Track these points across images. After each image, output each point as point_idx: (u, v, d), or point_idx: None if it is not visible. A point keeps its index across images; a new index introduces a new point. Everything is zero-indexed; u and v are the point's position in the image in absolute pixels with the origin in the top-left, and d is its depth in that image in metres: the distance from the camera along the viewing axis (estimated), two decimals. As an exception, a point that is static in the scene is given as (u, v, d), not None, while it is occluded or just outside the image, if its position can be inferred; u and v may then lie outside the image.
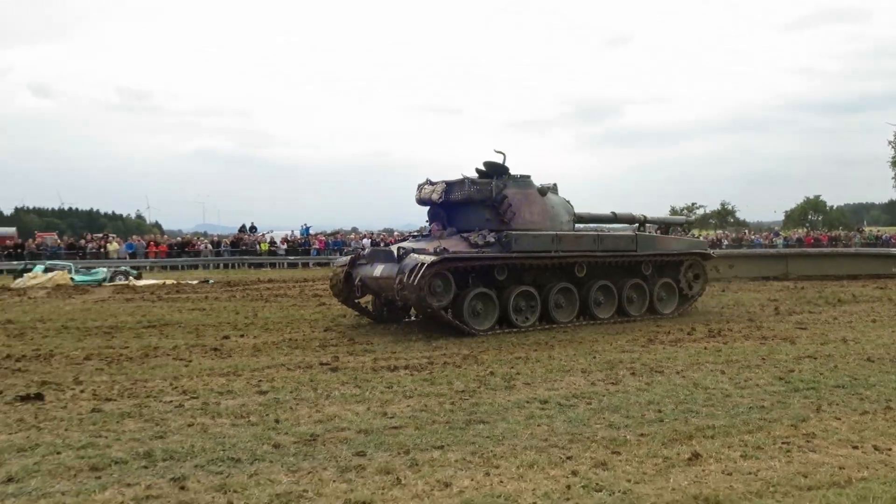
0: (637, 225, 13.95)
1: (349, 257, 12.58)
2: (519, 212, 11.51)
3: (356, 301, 12.46)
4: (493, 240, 10.94)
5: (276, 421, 5.95)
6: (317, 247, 37.66)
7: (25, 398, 6.79)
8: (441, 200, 11.59)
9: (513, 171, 11.92)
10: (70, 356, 9.38)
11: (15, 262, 29.84)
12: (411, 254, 10.53)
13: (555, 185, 12.49)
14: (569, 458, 4.95)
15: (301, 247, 37.74)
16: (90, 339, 11.03)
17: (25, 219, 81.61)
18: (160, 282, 23.85)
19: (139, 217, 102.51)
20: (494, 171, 11.72)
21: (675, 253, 13.07)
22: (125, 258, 33.14)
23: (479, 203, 11.42)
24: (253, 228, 40.40)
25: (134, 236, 41.36)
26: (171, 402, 6.69)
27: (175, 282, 23.84)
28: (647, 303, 12.67)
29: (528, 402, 6.59)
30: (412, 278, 10.00)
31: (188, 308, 15.60)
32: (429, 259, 10.18)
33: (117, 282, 23.59)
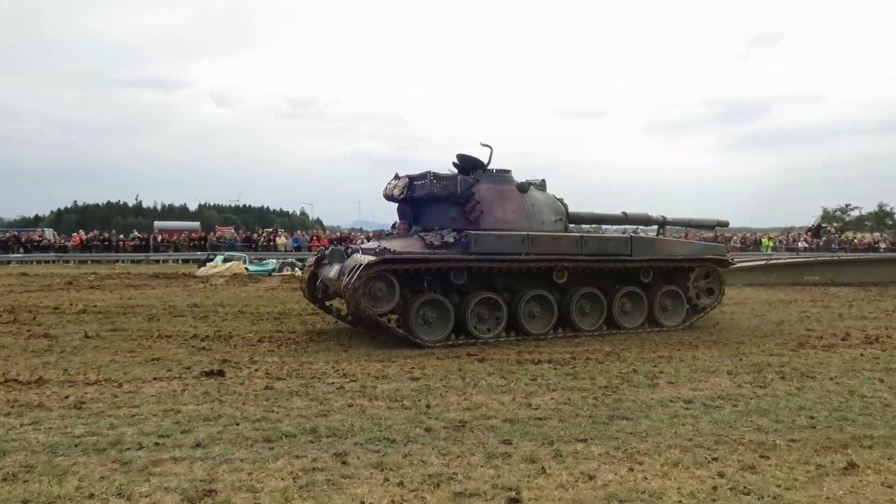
0: (657, 227, 12.72)
1: (317, 257, 11.87)
2: (490, 210, 10.35)
3: (326, 303, 11.94)
4: (451, 240, 9.78)
5: (428, 406, 6.31)
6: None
7: (209, 374, 7.61)
8: (402, 196, 10.69)
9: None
10: (246, 338, 10.32)
11: (199, 253, 32.95)
12: (355, 254, 9.91)
13: (542, 181, 11.38)
14: (714, 459, 4.91)
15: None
16: (262, 323, 12.04)
17: (207, 214, 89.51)
18: (323, 273, 25.33)
19: (303, 214, 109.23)
20: (469, 166, 10.63)
21: (681, 258, 11.43)
22: (291, 251, 35.51)
23: (445, 200, 10.33)
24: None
25: (299, 231, 44.21)
26: (333, 383, 7.25)
27: (336, 273, 25.23)
28: (644, 314, 11.19)
29: (671, 400, 6.54)
30: (349, 280, 9.25)
31: (348, 298, 16.51)
32: (366, 259, 9.31)
33: (285, 272, 25.39)
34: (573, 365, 8.31)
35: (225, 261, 26.38)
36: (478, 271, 9.95)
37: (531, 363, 8.42)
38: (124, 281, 21.50)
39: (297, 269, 26.28)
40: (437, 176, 10.30)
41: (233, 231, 44.82)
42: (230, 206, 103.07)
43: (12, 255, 31.80)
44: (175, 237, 40.22)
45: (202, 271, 24.89)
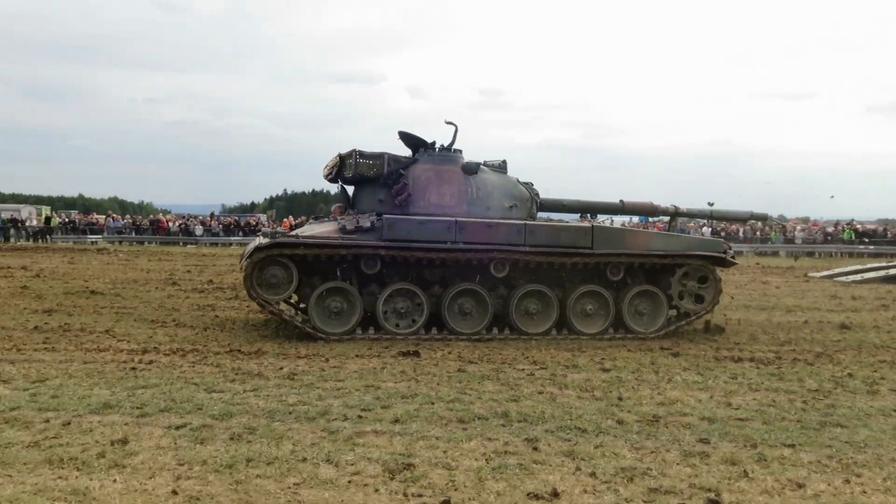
0: (669, 218, 11.17)
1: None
2: (423, 192, 9.29)
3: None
4: (368, 225, 8.87)
5: (619, 398, 6.19)
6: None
7: (406, 354, 7.98)
8: (330, 177, 9.75)
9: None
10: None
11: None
12: (257, 238, 9.35)
13: (502, 162, 10.11)
14: (949, 478, 4.38)
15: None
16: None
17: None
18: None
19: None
20: (411, 145, 9.72)
21: (658, 254, 9.47)
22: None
23: (373, 181, 9.40)
24: (594, 215, 41.18)
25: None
26: (523, 369, 7.32)
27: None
28: (610, 317, 9.51)
29: (895, 410, 5.91)
30: (240, 264, 8.68)
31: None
32: (258, 243, 8.83)
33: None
34: (778, 365, 7.76)
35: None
36: (393, 260, 9.01)
37: (731, 360, 7.99)
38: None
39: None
40: (362, 154, 9.33)
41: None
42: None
43: (233, 238, 35.21)
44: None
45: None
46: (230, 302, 12.66)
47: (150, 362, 7.35)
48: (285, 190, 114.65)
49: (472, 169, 9.49)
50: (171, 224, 38.00)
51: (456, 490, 4.12)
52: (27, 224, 36.33)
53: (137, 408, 5.60)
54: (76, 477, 4.18)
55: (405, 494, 4.04)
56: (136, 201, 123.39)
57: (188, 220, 39.73)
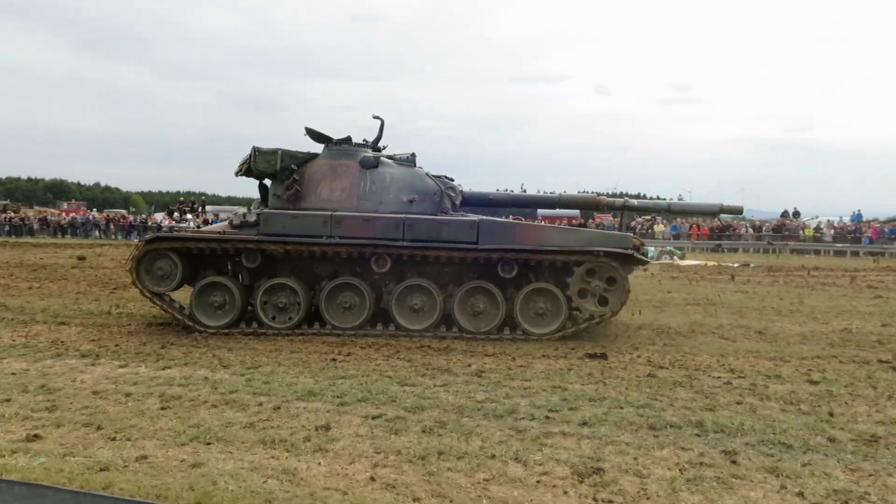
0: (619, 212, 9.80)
1: None
2: (315, 188, 9.16)
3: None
4: (253, 219, 9.08)
5: (830, 414, 5.67)
6: (869, 235, 33.61)
7: (593, 356, 7.85)
8: (240, 173, 9.57)
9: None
10: (626, 324, 10.42)
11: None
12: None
13: (411, 155, 9.67)
14: None
15: (850, 234, 34.18)
16: (641, 310, 12.02)
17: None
18: (702, 262, 24.45)
19: (680, 200, 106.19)
20: (318, 140, 9.56)
21: (553, 250, 8.83)
22: (669, 238, 34.84)
23: (272, 177, 9.39)
24: (796, 213, 38.24)
25: (678, 219, 43.01)
26: (719, 377, 6.93)
27: (716, 263, 24.16)
28: (500, 316, 8.89)
29: None
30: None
31: (730, 290, 15.70)
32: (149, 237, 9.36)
33: (663, 260, 25.01)
34: None
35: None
36: (272, 255, 9.04)
37: (966, 378, 7.05)
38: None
39: (675, 256, 25.75)
40: (259, 151, 9.26)
41: (611, 218, 45.49)
42: (608, 194, 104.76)
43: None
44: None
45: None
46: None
47: (349, 355, 7.80)
48: (470, 189, 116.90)
49: (370, 163, 9.30)
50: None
51: (648, 499, 3.99)
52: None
53: (338, 397, 5.96)
54: (286, 458, 4.53)
55: (595, 499, 3.97)
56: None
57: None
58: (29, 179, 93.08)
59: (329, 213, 9.01)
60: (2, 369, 6.91)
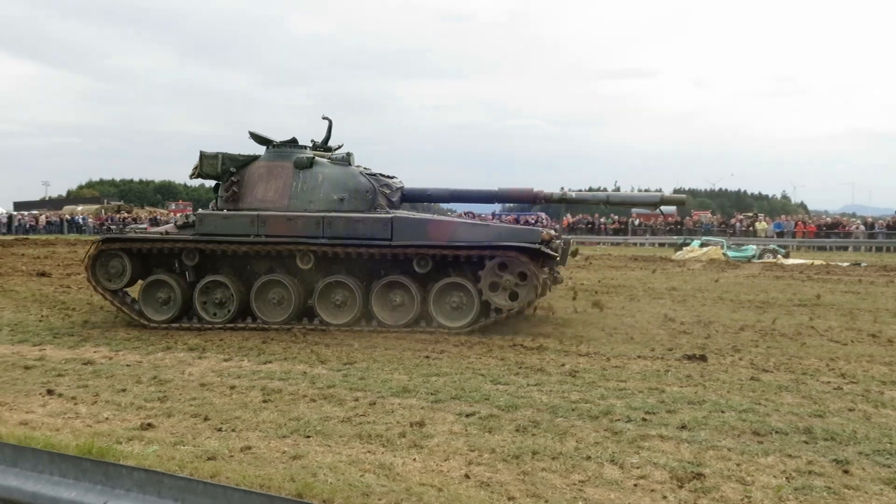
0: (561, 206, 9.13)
1: None
2: (252, 189, 9.72)
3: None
4: (193, 220, 9.79)
5: (954, 424, 5.30)
6: None
7: (691, 357, 7.61)
8: (193, 176, 10.29)
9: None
10: (726, 325, 10.05)
11: (675, 237, 33.22)
12: None
13: (345, 154, 9.99)
14: None
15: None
16: (743, 311, 11.58)
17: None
18: (808, 261, 23.31)
19: (784, 197, 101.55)
20: (260, 143, 10.13)
21: (462, 245, 9.00)
22: (772, 237, 33.39)
23: (218, 179, 10.09)
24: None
25: (782, 216, 41.26)
26: (829, 382, 6.58)
27: (823, 262, 22.99)
28: (416, 310, 9.10)
29: None
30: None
31: (840, 290, 14.91)
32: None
33: (766, 259, 24.00)
34: None
35: (702, 245, 26.10)
36: (209, 253, 9.54)
37: None
38: (605, 262, 22.87)
39: (779, 255, 24.66)
40: (204, 155, 9.89)
41: (709, 215, 44.06)
42: (705, 191, 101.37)
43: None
44: (652, 221, 41.21)
45: (679, 255, 25.04)
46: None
47: (442, 352, 7.87)
48: (562, 187, 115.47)
49: (303, 164, 9.69)
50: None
51: (752, 507, 3.83)
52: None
53: (431, 394, 6.02)
54: (382, 452, 4.61)
55: (695, 505, 3.85)
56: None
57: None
58: (140, 181, 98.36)
59: (256, 213, 9.49)
60: (118, 361, 7.35)
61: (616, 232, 38.58)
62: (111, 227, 29.41)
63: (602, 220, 41.51)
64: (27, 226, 41.11)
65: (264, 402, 5.80)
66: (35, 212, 48.58)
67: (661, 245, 34.07)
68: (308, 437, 4.91)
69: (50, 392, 6.04)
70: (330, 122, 10.56)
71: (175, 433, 4.98)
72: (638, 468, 4.36)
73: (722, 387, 6.39)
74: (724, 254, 24.55)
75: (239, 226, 9.44)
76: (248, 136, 10.19)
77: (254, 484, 3.92)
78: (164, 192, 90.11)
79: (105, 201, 60.97)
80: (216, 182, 10.22)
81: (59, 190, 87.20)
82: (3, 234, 36.68)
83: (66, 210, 49.89)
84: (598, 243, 36.11)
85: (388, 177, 10.28)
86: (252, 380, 6.53)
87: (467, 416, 5.42)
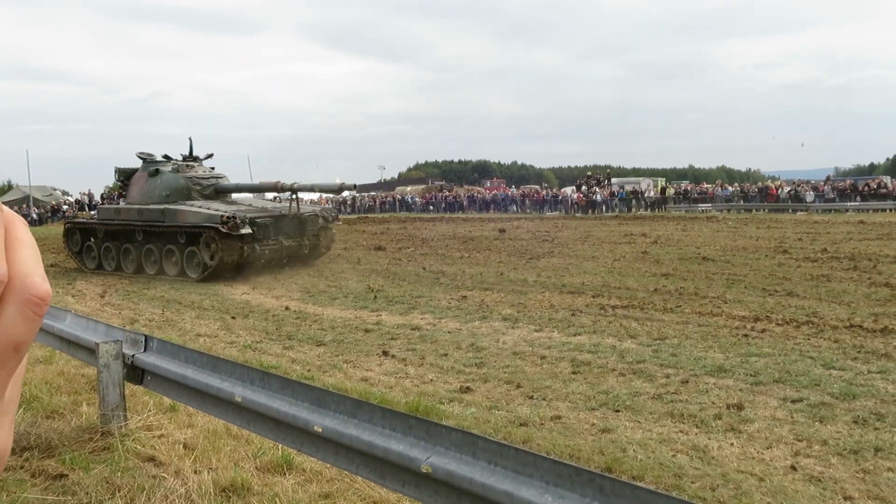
0: (289, 193, 14.52)
1: None
2: (131, 190, 15.30)
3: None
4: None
5: None
6: None
7: None
8: (116, 182, 16.96)
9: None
10: None
11: None
12: None
13: (180, 164, 15.13)
14: None
15: None
16: None
17: None
18: None
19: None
20: (142, 159, 15.57)
21: (190, 225, 13.43)
22: None
23: (122, 184, 16.14)
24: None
25: None
26: None
27: None
28: (179, 266, 13.73)
29: None
30: None
31: None
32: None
33: None
34: None
35: None
36: (105, 230, 15.25)
37: None
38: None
39: None
40: (116, 169, 15.93)
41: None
42: None
43: (849, 203, 32.26)
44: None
45: None
46: (847, 273, 11.61)
47: (763, 331, 7.26)
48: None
49: (151, 172, 14.81)
50: (779, 191, 36.95)
51: None
52: (645, 195, 39.98)
53: (751, 375, 5.59)
54: (695, 433, 4.40)
55: None
56: (742, 169, 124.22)
57: (798, 185, 37.98)
58: (459, 162, 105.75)
59: (121, 205, 15.40)
60: (440, 328, 8.00)
61: None
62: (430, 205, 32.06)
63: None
64: (367, 206, 46.56)
65: (573, 373, 5.87)
66: (373, 193, 54.83)
67: None
68: (617, 411, 4.87)
69: (385, 353, 6.79)
70: (190, 139, 15.90)
71: (490, 398, 5.27)
72: None
73: None
74: None
75: (111, 214, 15.23)
76: (136, 155, 15.60)
77: (563, 453, 3.99)
78: (480, 171, 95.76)
79: (429, 181, 66.56)
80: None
81: (391, 173, 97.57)
82: (349, 213, 41.95)
83: (398, 191, 55.42)
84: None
85: (217, 177, 15.29)
86: (561, 351, 6.65)
87: (793, 401, 4.93)
